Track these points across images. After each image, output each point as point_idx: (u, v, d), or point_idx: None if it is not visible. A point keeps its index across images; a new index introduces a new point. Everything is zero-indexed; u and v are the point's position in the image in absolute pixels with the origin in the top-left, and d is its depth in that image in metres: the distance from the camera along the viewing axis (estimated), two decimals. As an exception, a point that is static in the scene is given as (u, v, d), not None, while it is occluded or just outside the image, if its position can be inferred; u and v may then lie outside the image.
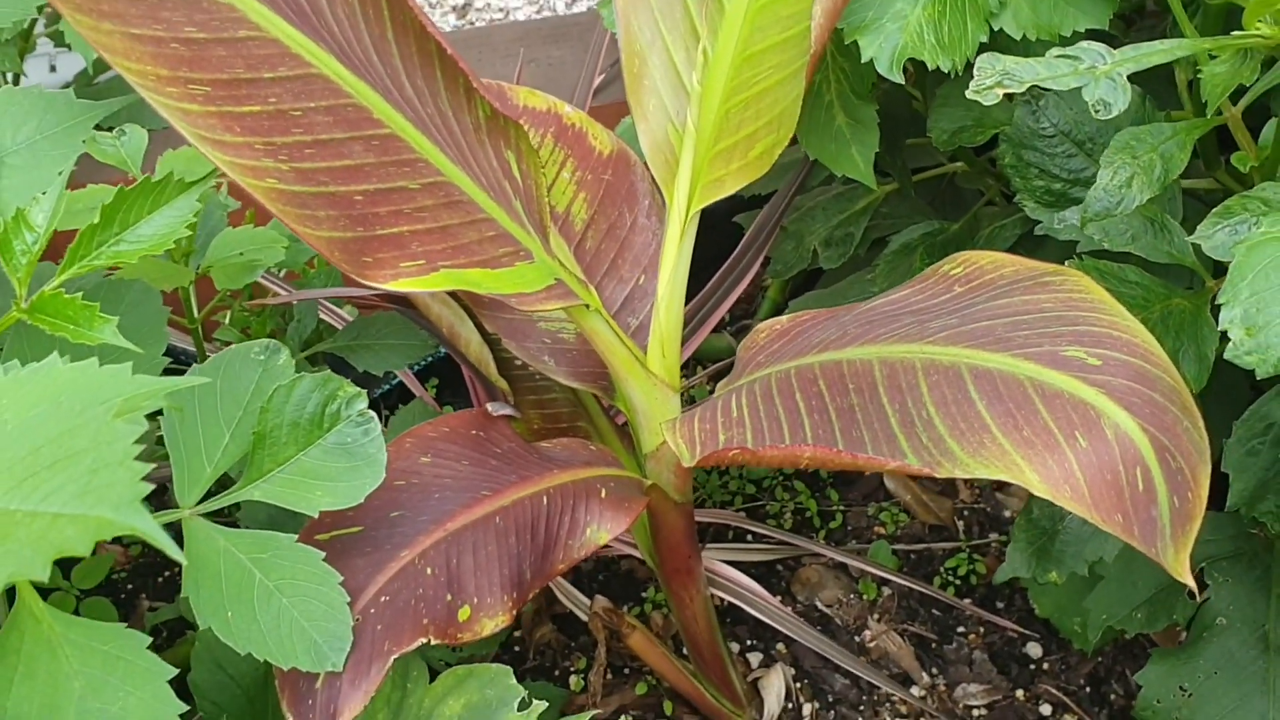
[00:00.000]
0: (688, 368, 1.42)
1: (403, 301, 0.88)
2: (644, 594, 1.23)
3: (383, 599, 0.65)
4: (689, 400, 1.35)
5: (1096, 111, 0.58)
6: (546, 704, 0.77)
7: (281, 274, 1.16)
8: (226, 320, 1.15)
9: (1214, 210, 0.63)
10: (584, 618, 1.11)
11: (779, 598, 1.23)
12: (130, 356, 0.53)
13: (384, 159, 0.64)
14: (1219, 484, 0.84)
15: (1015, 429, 0.56)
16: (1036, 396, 0.58)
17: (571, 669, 1.17)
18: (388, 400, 1.31)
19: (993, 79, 0.57)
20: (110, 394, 0.46)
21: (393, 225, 0.64)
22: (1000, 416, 0.57)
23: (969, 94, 0.58)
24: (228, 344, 1.11)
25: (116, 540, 1.29)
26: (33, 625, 0.61)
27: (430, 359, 1.28)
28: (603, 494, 0.77)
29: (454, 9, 1.77)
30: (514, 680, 0.78)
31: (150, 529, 0.39)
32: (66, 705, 0.59)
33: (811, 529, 1.29)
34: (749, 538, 1.26)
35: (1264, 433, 0.78)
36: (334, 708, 0.63)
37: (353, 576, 0.66)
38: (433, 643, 0.65)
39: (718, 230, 1.18)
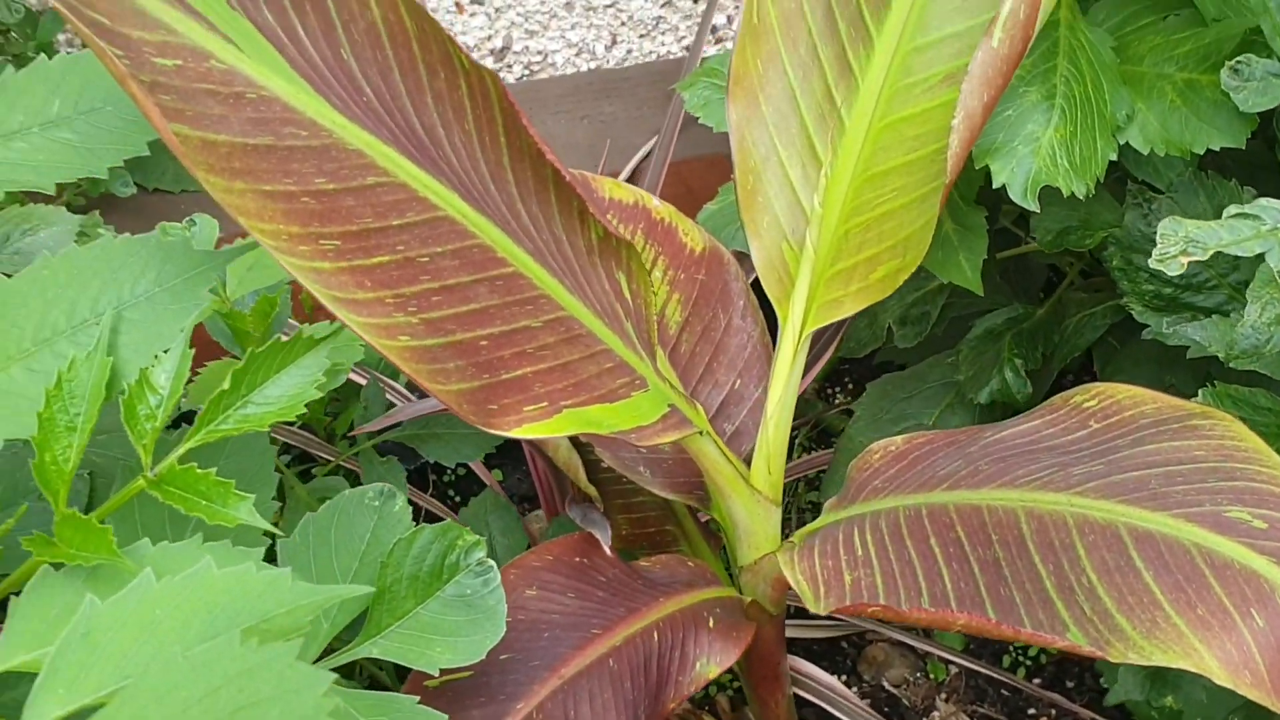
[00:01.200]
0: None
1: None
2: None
3: (502, 761, 0.63)
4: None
5: (1282, 277, 0.55)
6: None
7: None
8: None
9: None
10: None
11: (844, 676, 1.21)
12: (262, 540, 0.51)
13: (508, 299, 0.61)
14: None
15: (1189, 606, 0.54)
16: (1206, 567, 0.55)
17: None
18: (456, 486, 1.27)
19: (1177, 247, 0.54)
20: (270, 604, 0.43)
21: (516, 368, 0.61)
22: (1170, 590, 0.54)
23: (1152, 263, 0.55)
24: (305, 427, 1.08)
25: None
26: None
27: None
28: (711, 624, 0.74)
29: (492, 52, 1.74)
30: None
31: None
32: None
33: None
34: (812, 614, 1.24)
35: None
36: None
37: (468, 735, 0.63)
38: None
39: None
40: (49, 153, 0.57)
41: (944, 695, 1.20)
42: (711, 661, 0.72)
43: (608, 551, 0.75)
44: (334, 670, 0.61)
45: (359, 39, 0.59)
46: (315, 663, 0.61)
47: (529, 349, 0.62)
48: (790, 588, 0.81)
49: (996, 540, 0.61)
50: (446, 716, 0.60)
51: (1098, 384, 0.67)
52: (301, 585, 0.43)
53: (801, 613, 1.24)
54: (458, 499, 1.24)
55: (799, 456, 1.28)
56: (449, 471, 1.24)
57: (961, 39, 0.65)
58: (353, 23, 0.59)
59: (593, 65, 1.85)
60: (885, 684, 1.21)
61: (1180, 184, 0.79)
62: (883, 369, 1.23)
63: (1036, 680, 1.19)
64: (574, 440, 0.84)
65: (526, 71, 1.80)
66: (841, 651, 1.23)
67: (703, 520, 0.92)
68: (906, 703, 1.19)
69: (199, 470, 0.51)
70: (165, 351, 0.54)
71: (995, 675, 1.18)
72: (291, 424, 1.07)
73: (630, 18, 1.84)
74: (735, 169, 0.71)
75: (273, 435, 1.04)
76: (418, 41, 0.60)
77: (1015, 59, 0.62)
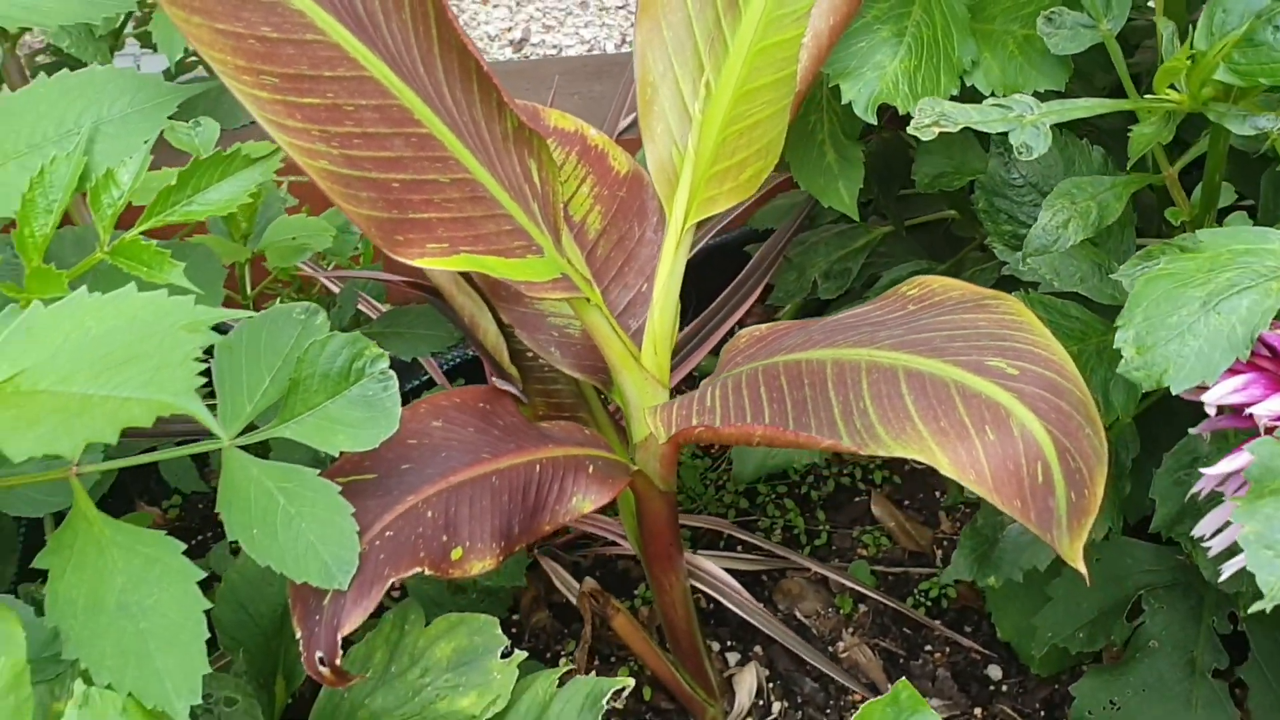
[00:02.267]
0: (689, 382, 1.51)
1: (432, 291, 0.98)
2: (635, 591, 1.33)
3: (387, 534, 0.75)
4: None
5: (1019, 154, 0.67)
6: (527, 655, 0.87)
7: (330, 268, 1.27)
8: (275, 305, 1.26)
9: (1138, 253, 0.72)
10: (574, 600, 1.20)
11: (760, 604, 1.32)
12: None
13: (420, 154, 0.74)
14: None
15: (934, 420, 0.66)
16: (957, 396, 0.67)
17: (563, 652, 1.27)
18: (417, 393, 1.41)
19: (930, 119, 0.66)
20: (176, 316, 0.56)
21: (423, 211, 0.74)
22: (923, 410, 0.66)
23: (910, 130, 0.67)
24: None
25: (154, 502, 1.40)
26: (85, 526, 0.71)
27: (458, 359, 1.39)
28: (590, 470, 0.86)
29: (511, 44, 1.89)
30: (499, 630, 0.87)
31: (199, 410, 0.49)
32: (109, 595, 0.69)
33: (798, 545, 1.38)
34: (738, 547, 1.35)
35: (1189, 465, 0.87)
36: (337, 621, 0.72)
37: (363, 515, 0.76)
38: (426, 573, 0.74)
39: (733, 260, 1.28)
40: (58, 2, 0.71)
41: (850, 629, 1.31)
42: (586, 499, 0.84)
43: (511, 405, 0.88)
44: (254, 445, 0.74)
45: (315, -73, 0.73)
46: (238, 437, 0.74)
47: (435, 199, 0.75)
48: (677, 468, 0.94)
49: (807, 384, 0.73)
50: (338, 487, 0.73)
51: (921, 276, 0.79)
52: (201, 307, 0.56)
53: (729, 546, 1.36)
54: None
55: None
56: (419, 387, 1.37)
57: (822, -23, 0.78)
58: (309, -84, 0.72)
59: (603, 60, 1.98)
60: (797, 614, 1.32)
61: (1028, 130, 0.91)
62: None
63: (937, 621, 1.30)
64: (500, 325, 0.97)
65: (539, 60, 1.95)
66: (760, 583, 1.34)
67: (617, 420, 1.04)
68: (815, 632, 1.30)
69: (143, 242, 0.64)
70: (130, 158, 0.68)
71: (900, 611, 1.29)
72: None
73: (640, 18, 1.96)
74: (637, 83, 0.85)
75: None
76: (366, -64, 0.74)
77: (857, -10, 0.75)
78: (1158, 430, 0.92)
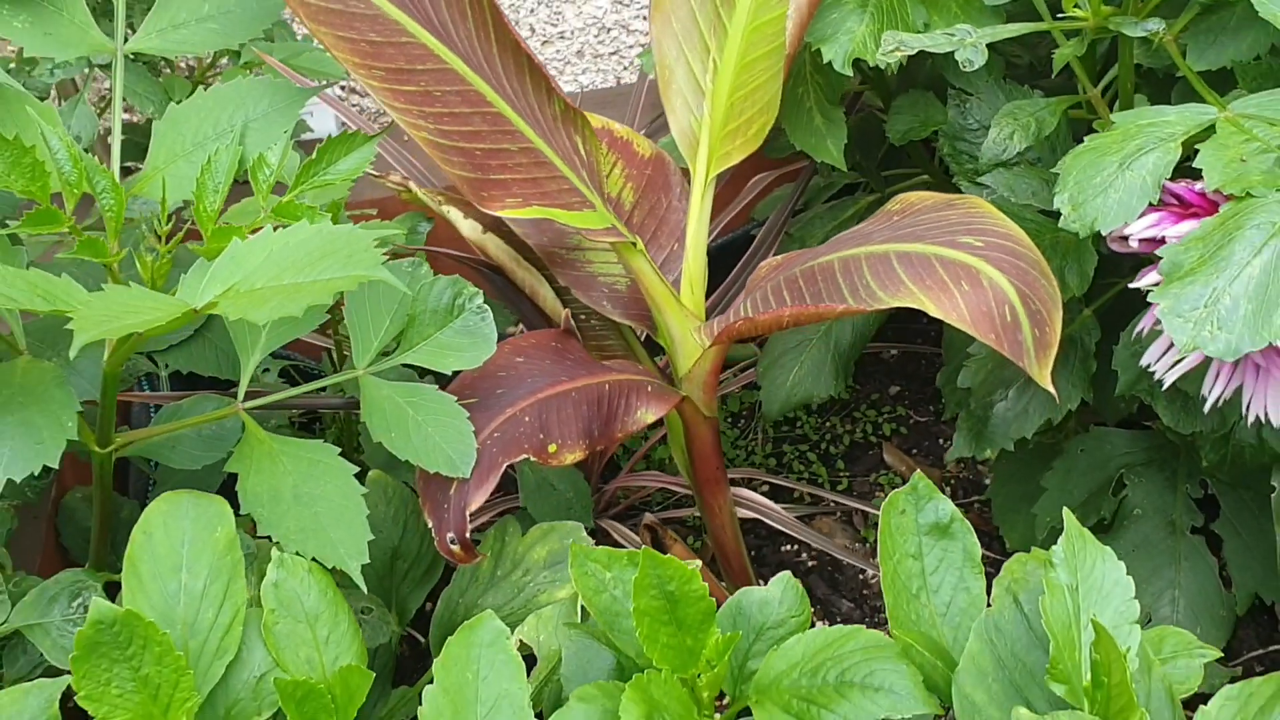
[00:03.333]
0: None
1: (493, 269, 1.17)
2: (685, 542, 1.50)
3: (496, 434, 0.93)
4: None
5: (964, 67, 0.86)
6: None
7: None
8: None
9: (1069, 152, 0.91)
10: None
11: (796, 545, 1.49)
12: (340, 237, 0.82)
13: (494, 128, 0.93)
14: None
15: (920, 280, 0.84)
16: (937, 263, 0.85)
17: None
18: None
19: (893, 45, 0.86)
20: (345, 229, 0.75)
21: (500, 173, 0.93)
22: (911, 275, 0.85)
23: (878, 57, 0.87)
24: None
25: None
26: (257, 443, 0.89)
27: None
28: (649, 389, 1.04)
29: (517, 93, 2.09)
30: (585, 533, 1.05)
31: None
32: (285, 489, 0.86)
33: (823, 491, 1.55)
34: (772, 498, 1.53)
35: (1139, 340, 1.05)
36: (464, 502, 0.90)
37: (474, 424, 0.93)
38: (532, 460, 0.92)
39: (740, 249, 1.47)
40: (201, 35, 0.91)
41: (876, 560, 1.47)
42: (648, 411, 1.02)
43: (577, 345, 1.07)
44: (383, 370, 0.92)
45: (397, -36, 0.92)
46: (370, 366, 0.92)
47: (509, 163, 0.94)
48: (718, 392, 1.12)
49: (820, 279, 0.91)
50: (455, 398, 0.91)
51: (901, 194, 0.98)
52: (361, 232, 0.75)
53: (769, 495, 1.53)
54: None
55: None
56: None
57: (798, -36, 0.97)
58: (392, -48, 0.92)
59: (602, 103, 2.18)
60: (830, 550, 1.49)
61: (985, 88, 1.10)
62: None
63: (953, 545, 1.47)
64: (557, 292, 1.16)
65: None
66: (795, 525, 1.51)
67: (662, 367, 1.22)
68: (846, 563, 1.47)
69: (297, 201, 0.83)
70: (274, 145, 0.87)
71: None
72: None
73: (631, 63, 2.20)
74: (656, 70, 1.04)
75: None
76: (435, -32, 0.94)
77: (827, -32, 0.95)
78: (1114, 321, 1.10)
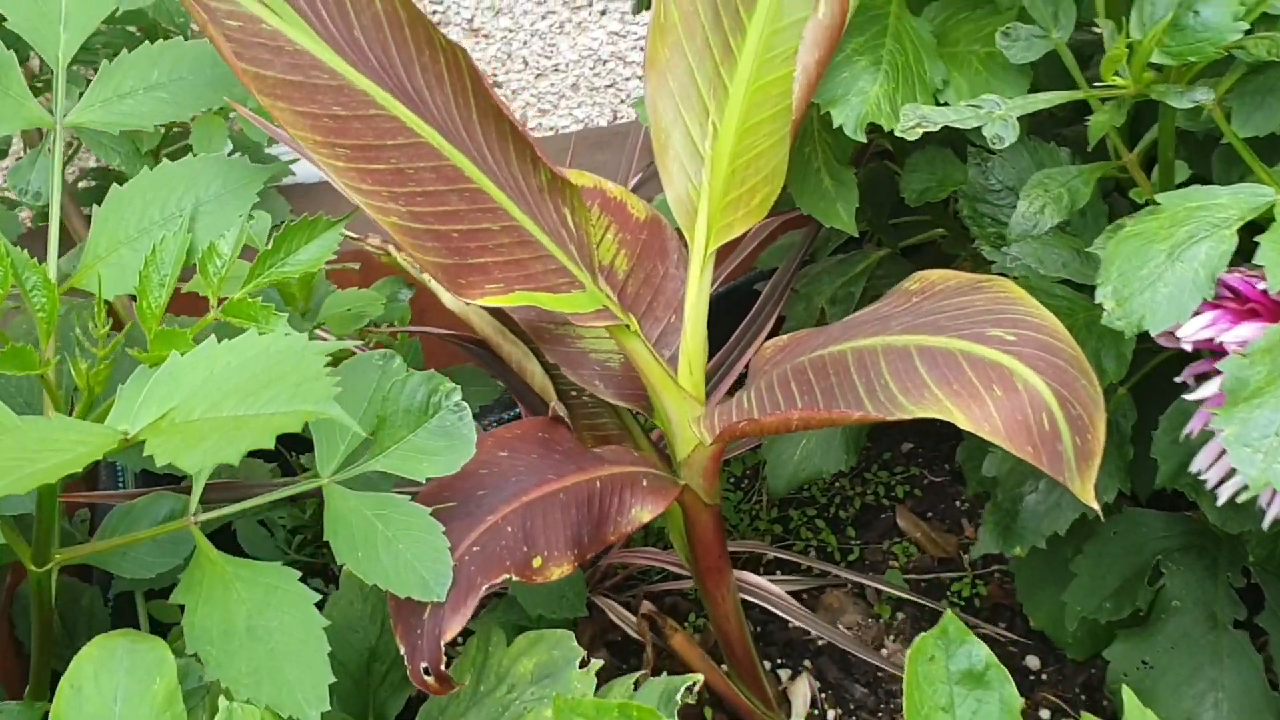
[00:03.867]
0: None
1: (478, 343, 1.08)
2: (685, 622, 1.41)
3: (475, 549, 0.84)
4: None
5: (993, 144, 0.77)
6: (603, 664, 0.95)
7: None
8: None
9: (1108, 227, 0.82)
10: (634, 635, 1.28)
11: (808, 610, 1.40)
12: (297, 341, 0.73)
13: (473, 206, 0.84)
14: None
15: (947, 384, 0.75)
16: (965, 363, 0.76)
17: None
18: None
19: (913, 121, 0.77)
20: (297, 346, 0.66)
21: (479, 256, 0.84)
22: (937, 378, 0.76)
23: (897, 132, 0.78)
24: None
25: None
26: (209, 565, 0.80)
27: (502, 419, 1.48)
28: (644, 483, 0.95)
29: (509, 130, 2.01)
30: (575, 643, 0.96)
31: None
32: (238, 622, 0.77)
33: (832, 562, 1.46)
34: (778, 571, 1.44)
35: (1182, 424, 0.96)
36: (439, 630, 0.81)
37: (451, 534, 0.84)
38: (513, 579, 0.83)
39: (743, 304, 1.39)
40: (150, 106, 0.82)
41: (892, 636, 1.39)
42: (644, 509, 0.93)
43: (566, 433, 0.98)
44: (350, 479, 0.83)
45: (367, 23, 0.84)
46: (335, 474, 0.83)
47: (489, 244, 0.85)
48: (719, 480, 1.03)
49: (832, 373, 0.82)
50: (429, 510, 0.82)
51: (921, 272, 0.89)
52: (314, 344, 0.66)
53: (768, 572, 1.44)
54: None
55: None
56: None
57: (804, 22, 0.88)
58: (362, 11, 0.83)
59: (598, 138, 2.10)
60: (840, 626, 1.40)
61: (1009, 146, 1.01)
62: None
63: (974, 619, 1.38)
64: (545, 367, 1.07)
65: (541, 138, 2.06)
66: (802, 601, 1.42)
67: (660, 446, 1.13)
68: (859, 641, 1.38)
69: (250, 299, 0.74)
70: (228, 232, 0.78)
71: (937, 611, 1.37)
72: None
73: (628, 96, 2.11)
74: (651, 132, 0.95)
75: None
76: (408, 26, 0.85)
77: (837, 26, 0.85)
78: (1152, 400, 1.01)
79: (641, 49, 2.00)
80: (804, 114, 0.87)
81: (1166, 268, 0.72)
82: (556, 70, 2.05)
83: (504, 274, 0.85)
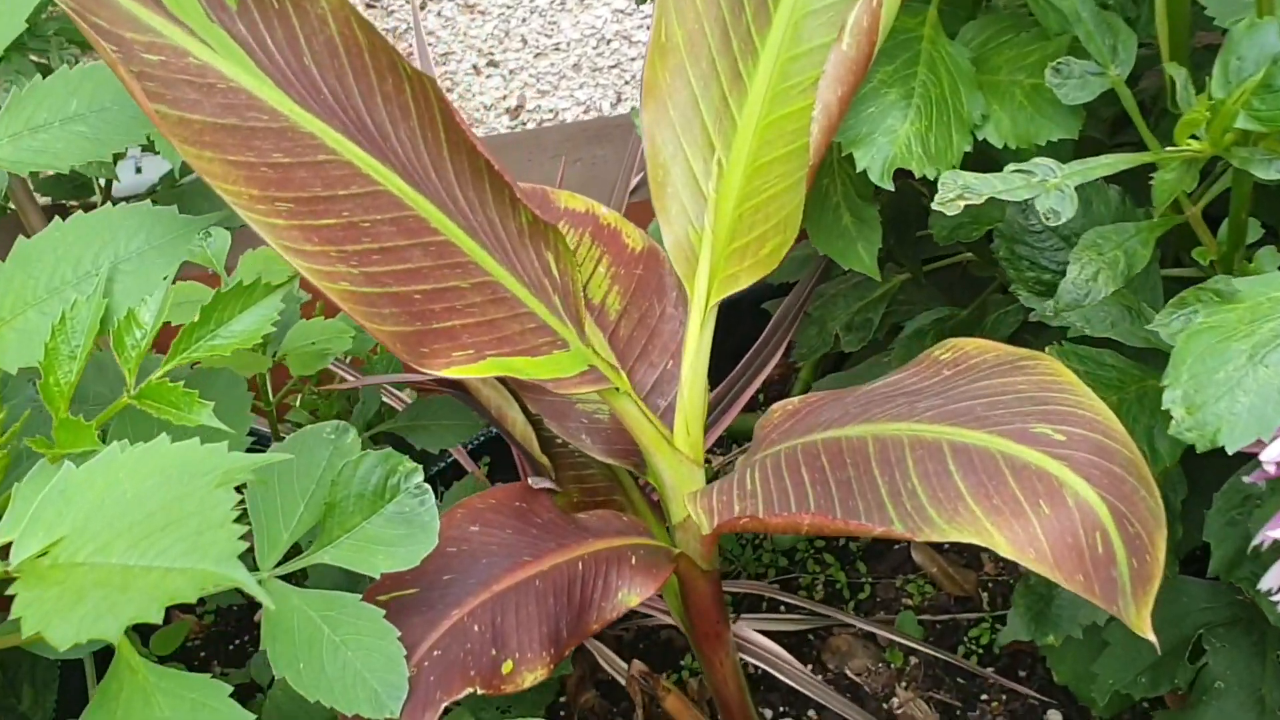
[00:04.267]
0: (722, 444, 1.50)
1: (457, 386, 0.97)
2: (682, 662, 1.31)
3: (435, 653, 0.74)
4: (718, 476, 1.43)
5: (1047, 219, 0.66)
6: (593, 707, 0.85)
7: (348, 360, 1.26)
8: (298, 403, 1.25)
9: (1171, 301, 0.70)
10: (624, 682, 1.18)
11: (809, 666, 1.30)
12: (224, 437, 0.63)
13: (439, 262, 0.73)
14: (1204, 551, 0.91)
15: (986, 498, 0.64)
16: (1007, 469, 0.65)
17: (615, 732, 1.25)
18: (444, 477, 1.40)
19: (954, 192, 0.65)
20: (210, 468, 0.55)
21: (446, 320, 0.73)
22: (974, 487, 0.65)
23: (934, 206, 0.67)
24: (299, 425, 1.21)
25: (189, 609, 1.39)
26: (129, 675, 0.69)
27: (482, 438, 1.37)
28: (633, 560, 0.85)
29: (507, 111, 1.89)
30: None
31: (246, 580, 0.48)
32: (160, 747, 0.67)
33: (841, 600, 1.36)
34: (781, 608, 1.33)
35: (1241, 504, 0.85)
36: (391, 749, 0.71)
37: (409, 633, 0.74)
38: (479, 693, 0.73)
39: (748, 316, 1.27)
40: (66, 142, 0.71)
41: (903, 683, 1.29)
42: (632, 592, 0.83)
43: (547, 500, 0.87)
44: (293, 573, 0.73)
45: (319, 49, 0.72)
46: (277, 566, 0.73)
47: (458, 305, 0.74)
48: (718, 546, 0.92)
49: (850, 464, 0.72)
50: (383, 611, 0.72)
51: (954, 339, 0.78)
52: (235, 454, 0.55)
53: (772, 607, 1.34)
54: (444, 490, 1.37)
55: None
56: (446, 469, 1.36)
57: (827, 49, 0.77)
58: (314, 36, 0.72)
59: (600, 121, 1.98)
60: (848, 672, 1.30)
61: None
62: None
63: (990, 668, 1.28)
64: (527, 415, 0.96)
65: (539, 128, 1.95)
66: (808, 643, 1.32)
67: (653, 499, 1.03)
68: (867, 689, 1.28)
69: (170, 384, 0.63)
70: (150, 296, 0.67)
71: (952, 662, 1.27)
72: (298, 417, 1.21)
73: (633, 77, 1.98)
74: (647, 165, 0.84)
75: (282, 424, 1.17)
76: (369, 52, 0.73)
77: (863, 60, 0.74)
78: (1204, 470, 0.90)
79: (648, 28, 1.87)
80: (822, 158, 0.76)
81: (1248, 372, 0.61)
82: (557, 49, 1.93)
83: (474, 338, 0.74)
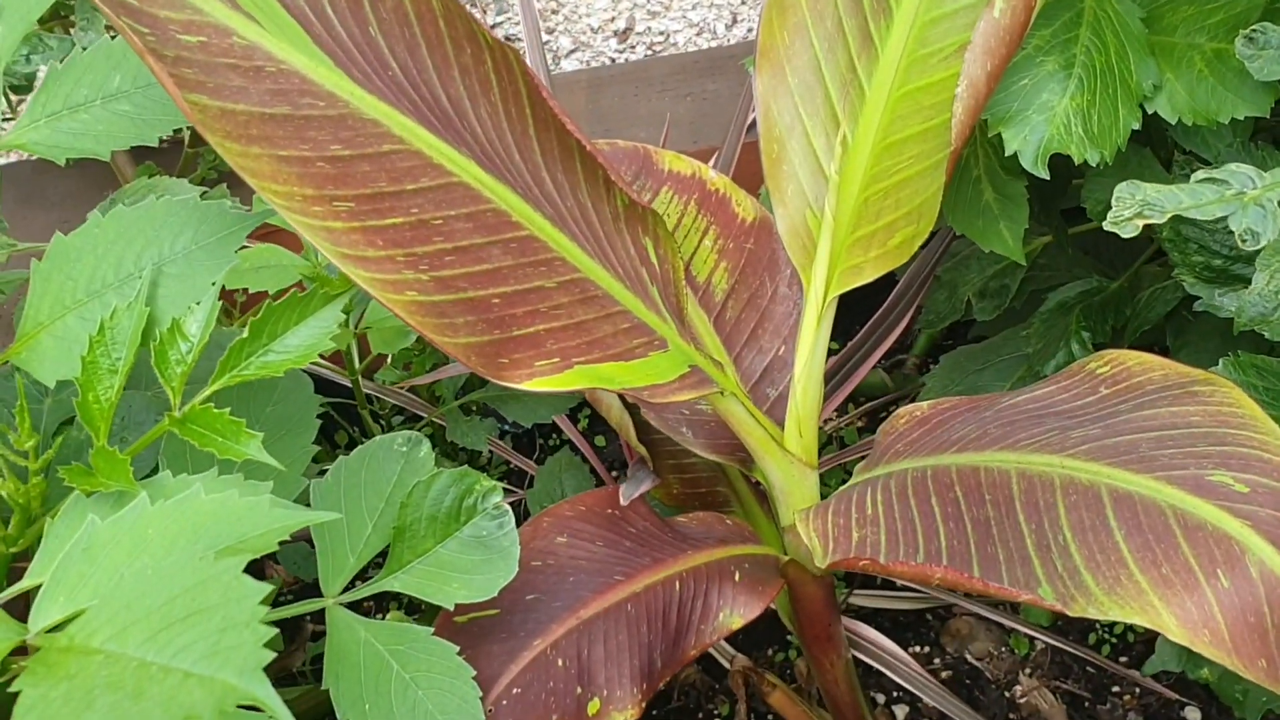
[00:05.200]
0: (841, 407, 1.40)
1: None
2: (789, 637, 1.23)
3: (514, 691, 0.67)
4: (835, 442, 1.34)
5: (1243, 242, 0.55)
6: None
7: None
8: (389, 360, 1.18)
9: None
10: (726, 664, 1.11)
11: (926, 648, 1.22)
12: (273, 474, 0.56)
13: (521, 260, 0.65)
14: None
15: (1154, 565, 0.54)
16: (1178, 528, 0.55)
17: (715, 712, 1.18)
18: (541, 429, 1.33)
19: (1132, 209, 0.54)
20: (248, 529, 0.48)
21: (528, 325, 0.65)
22: (1138, 550, 0.55)
23: (1106, 226, 0.56)
24: (388, 385, 1.14)
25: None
26: None
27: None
28: (737, 577, 0.77)
29: (615, 34, 1.79)
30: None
31: (270, 698, 0.41)
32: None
33: (962, 578, 1.27)
34: (896, 583, 1.25)
35: None
36: (465, 799, 0.64)
37: (487, 664, 0.67)
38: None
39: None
40: (108, 123, 0.63)
41: (1027, 670, 1.20)
42: (735, 613, 0.75)
43: (642, 505, 0.79)
44: (360, 600, 0.66)
45: (386, 17, 0.63)
46: (343, 593, 0.66)
47: (542, 307, 0.65)
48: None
49: (989, 500, 0.62)
50: (456, 648, 0.65)
51: (1112, 350, 0.67)
52: (276, 510, 0.48)
53: (888, 584, 1.25)
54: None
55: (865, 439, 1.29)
56: (554, 436, 1.29)
57: (973, 10, 0.66)
58: (380, 3, 0.63)
59: (714, 44, 1.88)
60: (968, 656, 1.21)
61: (1229, 154, 0.78)
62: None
63: (1123, 659, 1.18)
64: (624, 402, 0.88)
65: (649, 51, 1.84)
66: (926, 624, 1.24)
67: (755, 482, 0.94)
68: (989, 676, 1.20)
69: (215, 410, 0.56)
70: (198, 303, 0.60)
71: (1080, 653, 1.17)
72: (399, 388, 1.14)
73: (752, -6, 1.85)
74: (760, 137, 0.74)
75: (380, 396, 1.11)
76: (444, 19, 0.64)
77: (1018, 29, 0.62)
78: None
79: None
80: (965, 141, 0.65)
81: None
82: (669, -34, 1.81)
83: (560, 343, 0.66)
